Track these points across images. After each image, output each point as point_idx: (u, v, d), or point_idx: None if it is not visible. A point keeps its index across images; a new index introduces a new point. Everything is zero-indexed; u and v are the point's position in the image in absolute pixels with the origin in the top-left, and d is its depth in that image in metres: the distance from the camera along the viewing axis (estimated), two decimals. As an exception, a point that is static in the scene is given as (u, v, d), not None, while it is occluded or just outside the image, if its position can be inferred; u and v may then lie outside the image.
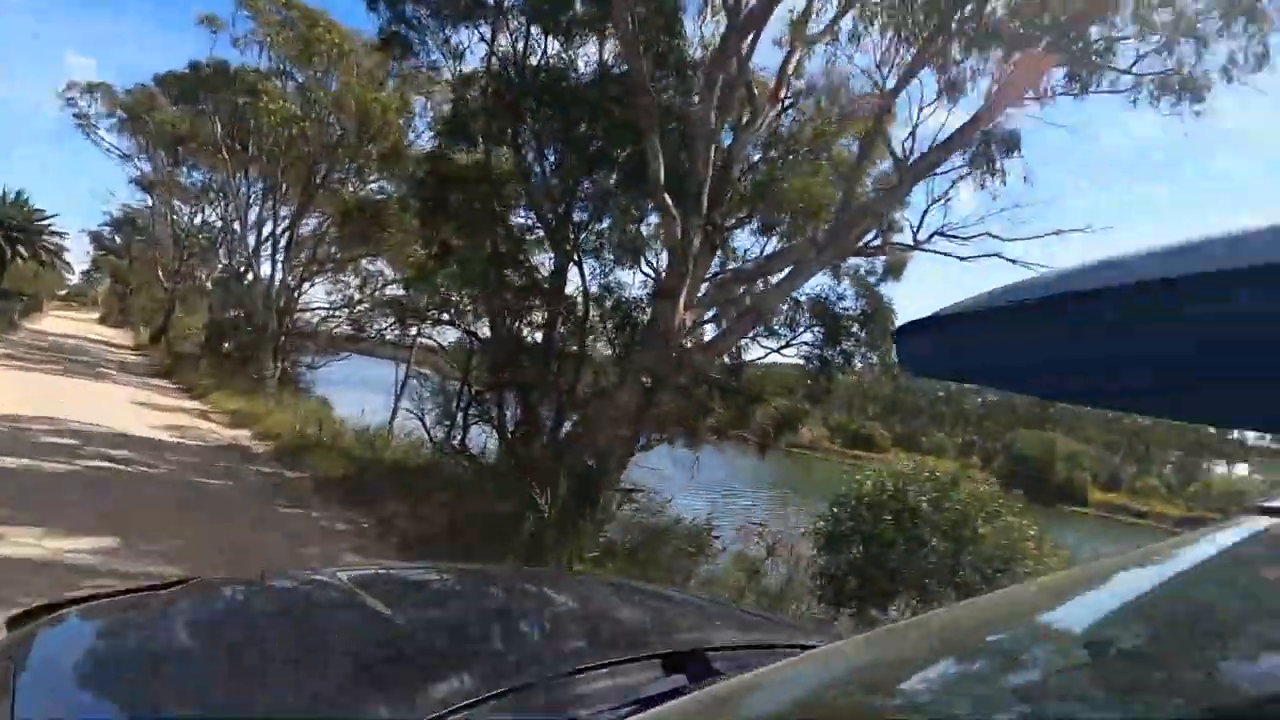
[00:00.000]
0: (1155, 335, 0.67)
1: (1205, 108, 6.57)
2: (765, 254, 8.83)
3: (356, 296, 19.33)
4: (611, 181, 8.45)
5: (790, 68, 8.27)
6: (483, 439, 12.24)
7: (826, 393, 9.21)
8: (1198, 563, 0.66)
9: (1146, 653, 0.56)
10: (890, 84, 6.95)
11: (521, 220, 9.52)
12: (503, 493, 8.09)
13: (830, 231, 7.05)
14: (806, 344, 8.61)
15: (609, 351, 9.57)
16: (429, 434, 12.75)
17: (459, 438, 11.73)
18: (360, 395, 19.57)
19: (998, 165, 7.25)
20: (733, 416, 9.45)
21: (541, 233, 9.63)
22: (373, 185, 18.20)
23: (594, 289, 9.46)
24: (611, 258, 9.19)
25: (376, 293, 19.24)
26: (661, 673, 1.04)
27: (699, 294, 7.97)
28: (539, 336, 10.33)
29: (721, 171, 7.77)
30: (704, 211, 7.44)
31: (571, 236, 9.30)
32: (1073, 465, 51.18)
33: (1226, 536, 0.65)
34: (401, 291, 13.68)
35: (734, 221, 8.85)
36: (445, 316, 12.99)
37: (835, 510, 5.79)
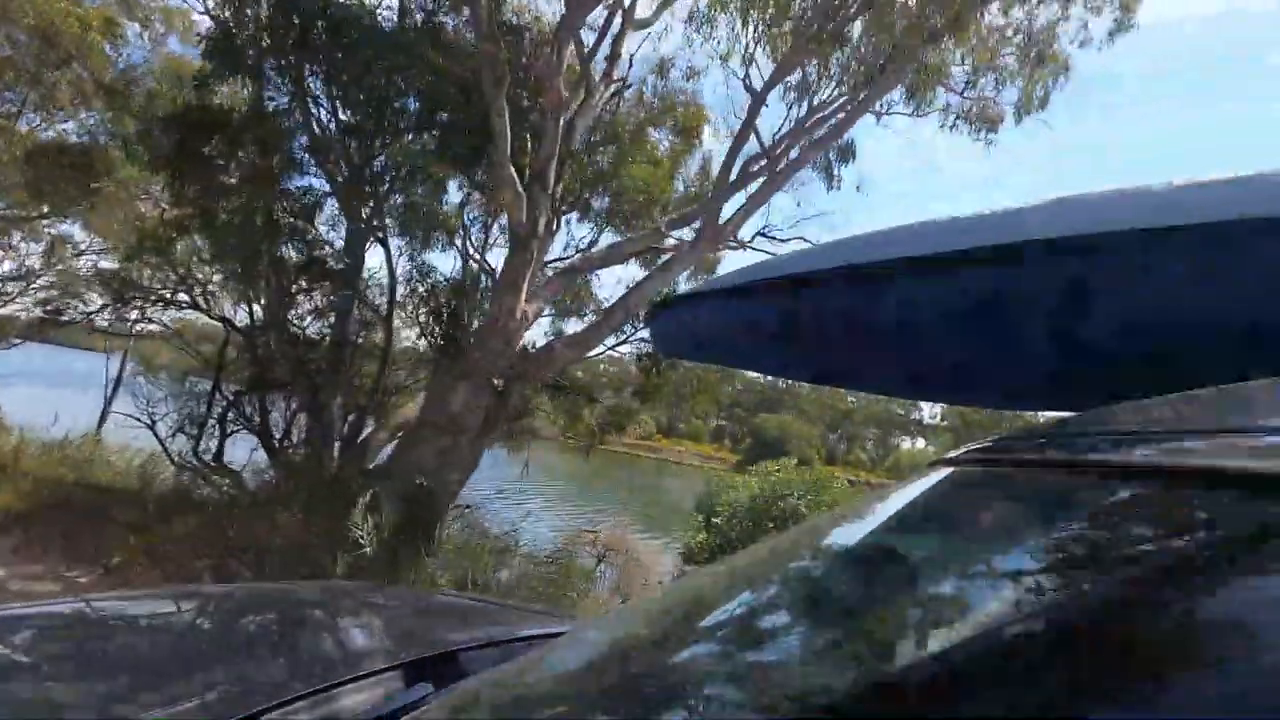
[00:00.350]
0: (856, 316, 0.85)
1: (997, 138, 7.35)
2: (603, 244, 8.18)
3: (37, 267, 14.94)
4: (431, 147, 7.13)
5: (622, 48, 7.71)
6: (244, 452, 9.93)
7: (658, 389, 8.86)
8: (908, 501, 0.78)
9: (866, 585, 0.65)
10: (757, 85, 6.71)
11: (306, 183, 7.73)
12: (295, 522, 6.44)
13: (704, 225, 6.62)
14: (644, 340, 8.16)
15: (423, 346, 8.22)
16: (164, 446, 10.04)
17: (213, 451, 9.36)
18: (43, 394, 15.07)
19: (836, 173, 7.44)
20: (562, 417, 8.71)
21: (335, 202, 7.94)
22: (66, 125, 14.05)
23: (402, 271, 8.04)
24: (421, 235, 7.86)
25: (66, 265, 14.97)
26: (403, 684, 0.99)
27: (538, 283, 7.09)
28: (326, 327, 8.57)
29: (562, 150, 6.97)
30: (551, 190, 6.59)
31: (372, 207, 7.78)
32: (803, 444, 58.65)
33: (926, 482, 0.76)
34: (118, 264, 10.59)
35: (567, 206, 8.06)
36: (183, 298, 10.36)
37: (715, 522, 5.39)
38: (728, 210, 8.02)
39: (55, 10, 13.05)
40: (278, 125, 7.07)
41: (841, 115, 6.92)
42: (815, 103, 6.83)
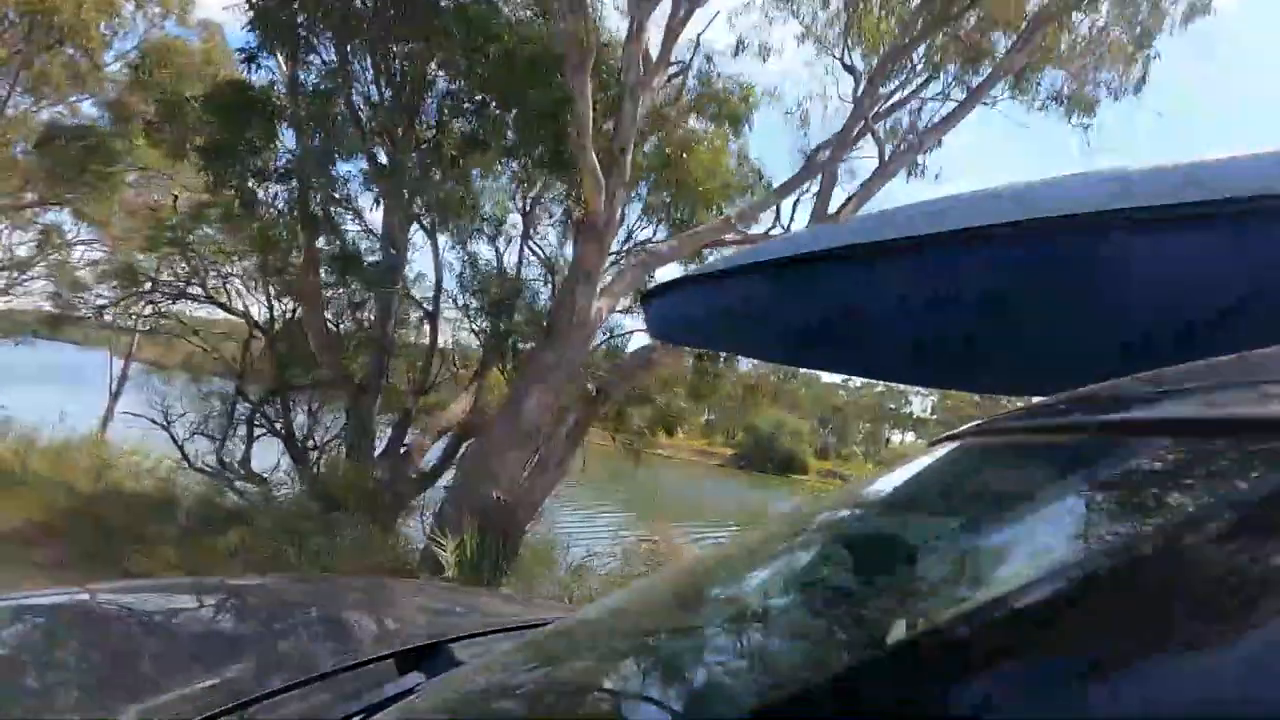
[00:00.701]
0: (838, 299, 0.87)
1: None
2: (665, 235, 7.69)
3: (31, 258, 14.22)
4: (489, 129, 6.57)
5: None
6: (265, 457, 9.30)
7: (712, 389, 8.43)
8: (918, 475, 0.75)
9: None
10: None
11: (349, 168, 7.15)
12: (354, 538, 5.91)
13: (815, 215, 6.15)
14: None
15: (470, 344, 7.69)
16: (181, 450, 9.40)
17: (239, 456, 8.76)
18: (36, 392, 14.28)
19: (920, 161, 7.01)
20: (612, 418, 8.23)
21: (377, 188, 7.36)
22: (57, 109, 13.26)
23: (450, 264, 7.50)
24: (471, 225, 7.32)
25: (62, 255, 14.18)
26: (395, 673, 0.96)
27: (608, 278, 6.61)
28: (365, 324, 8.00)
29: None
30: (628, 176, 6.10)
31: (419, 194, 7.22)
32: (796, 439, 58.54)
33: (930, 456, 0.73)
34: (127, 255, 9.91)
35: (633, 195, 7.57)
36: (198, 291, 9.70)
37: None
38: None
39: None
40: (323, 106, 6.49)
41: (950, 102, 6.49)
42: (916, 88, 6.40)
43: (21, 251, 14.43)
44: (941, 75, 6.42)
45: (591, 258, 6.05)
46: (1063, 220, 0.73)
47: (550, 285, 7.17)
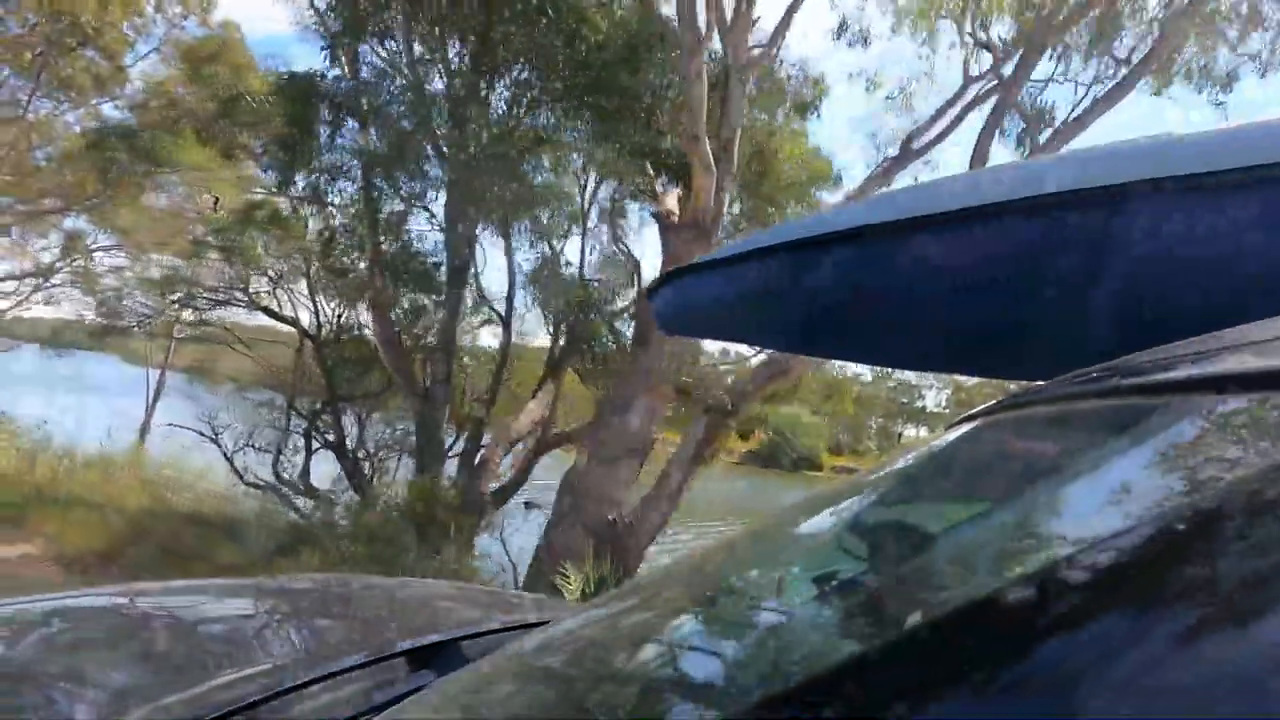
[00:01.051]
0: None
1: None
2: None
3: (57, 265, 13.80)
4: (588, 122, 6.10)
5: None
6: (316, 470, 8.84)
7: (791, 391, 7.98)
8: (944, 452, 0.69)
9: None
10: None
11: (424, 166, 6.67)
12: (433, 560, 5.47)
13: None
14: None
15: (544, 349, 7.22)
16: (231, 463, 8.97)
17: (295, 469, 8.32)
18: (66, 404, 13.85)
19: (1031, 139, 6.55)
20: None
21: (445, 185, 6.91)
22: (80, 110, 12.79)
23: (524, 264, 7.06)
24: (552, 223, 6.86)
25: (85, 262, 13.75)
26: (407, 671, 0.96)
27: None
28: (431, 329, 7.55)
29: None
30: (735, 167, 5.65)
31: (495, 189, 6.77)
32: (813, 436, 58.16)
33: (951, 435, 0.69)
34: (171, 259, 9.47)
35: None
36: (241, 297, 9.25)
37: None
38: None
39: (73, -15, 11.85)
40: (407, 96, 6.03)
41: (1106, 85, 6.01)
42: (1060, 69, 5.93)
43: (45, 258, 14.05)
44: (1093, 54, 5.95)
45: (695, 255, 5.60)
46: (1086, 194, 0.71)
47: (635, 285, 6.73)
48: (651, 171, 6.61)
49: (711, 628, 0.60)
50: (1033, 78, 5.90)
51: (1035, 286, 0.76)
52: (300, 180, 6.13)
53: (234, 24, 12.38)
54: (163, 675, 0.97)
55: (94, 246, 14.08)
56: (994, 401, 0.68)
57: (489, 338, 7.92)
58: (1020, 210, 0.74)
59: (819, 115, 7.59)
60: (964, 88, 7.06)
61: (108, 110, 13.16)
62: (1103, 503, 0.45)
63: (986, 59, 6.45)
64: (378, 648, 1.02)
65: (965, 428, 0.67)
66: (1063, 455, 0.55)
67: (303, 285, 8.70)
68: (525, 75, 6.47)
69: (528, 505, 7.51)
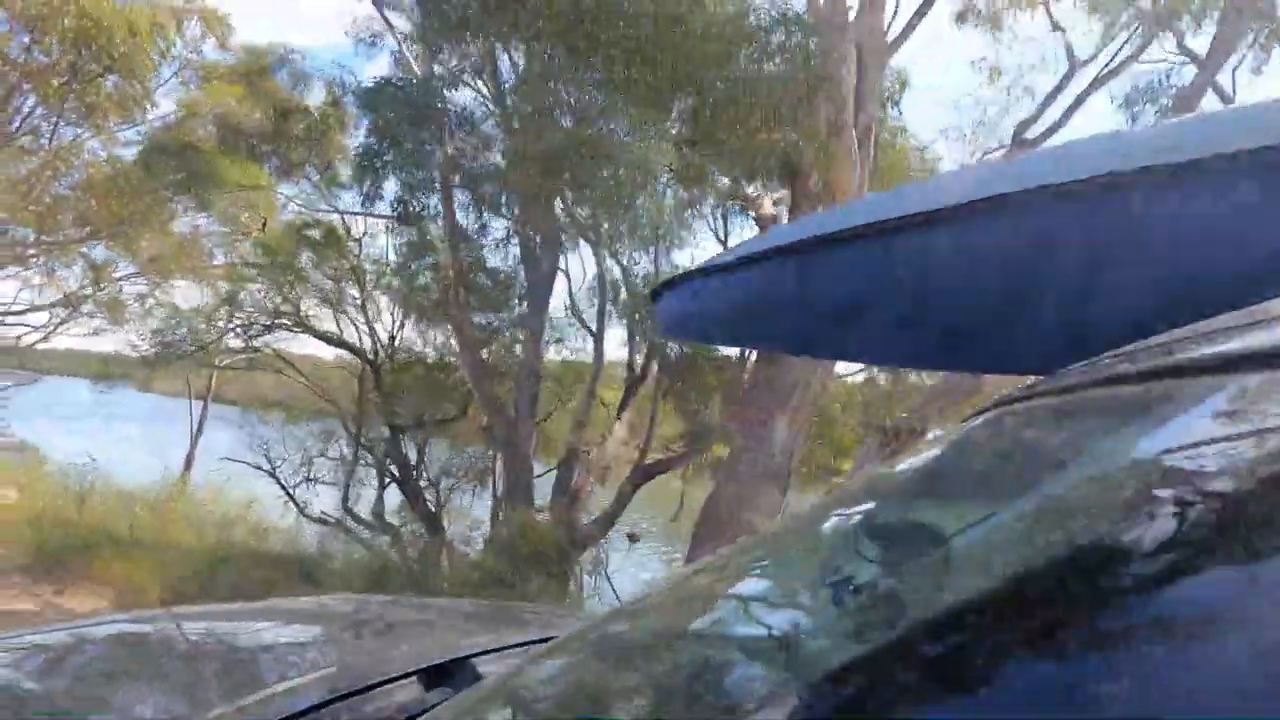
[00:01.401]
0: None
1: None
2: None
3: (88, 292, 13.38)
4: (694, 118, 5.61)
5: None
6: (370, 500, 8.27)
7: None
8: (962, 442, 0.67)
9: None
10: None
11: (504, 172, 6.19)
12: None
13: None
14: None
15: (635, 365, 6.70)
16: (291, 497, 8.46)
17: (359, 502, 7.80)
18: (95, 434, 13.34)
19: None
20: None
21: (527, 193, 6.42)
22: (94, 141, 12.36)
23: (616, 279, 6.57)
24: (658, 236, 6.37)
25: (115, 290, 13.29)
26: (422, 690, 0.96)
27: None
28: (512, 349, 7.05)
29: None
30: (873, 161, 5.17)
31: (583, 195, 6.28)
32: (830, 444, 57.72)
33: (975, 423, 0.66)
34: (223, 289, 8.98)
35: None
36: (289, 322, 8.74)
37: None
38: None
39: (103, 10, 11.44)
40: (507, 104, 5.55)
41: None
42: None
43: (72, 285, 13.60)
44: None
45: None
46: (1092, 182, 0.70)
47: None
48: (747, 174, 6.14)
49: (744, 624, 0.57)
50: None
51: (1035, 279, 0.76)
52: (386, 195, 5.62)
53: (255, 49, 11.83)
54: (174, 699, 0.97)
55: (118, 275, 13.69)
56: (997, 398, 0.64)
57: (569, 354, 7.42)
58: (1016, 207, 0.74)
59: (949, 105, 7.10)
60: (1070, 71, 6.66)
61: (134, 134, 12.77)
62: (1135, 486, 0.42)
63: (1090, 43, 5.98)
64: (393, 666, 1.01)
65: (984, 416, 0.64)
66: (1093, 439, 0.50)
67: (363, 308, 8.25)
68: (626, 73, 6.01)
69: (631, 537, 7.00)
